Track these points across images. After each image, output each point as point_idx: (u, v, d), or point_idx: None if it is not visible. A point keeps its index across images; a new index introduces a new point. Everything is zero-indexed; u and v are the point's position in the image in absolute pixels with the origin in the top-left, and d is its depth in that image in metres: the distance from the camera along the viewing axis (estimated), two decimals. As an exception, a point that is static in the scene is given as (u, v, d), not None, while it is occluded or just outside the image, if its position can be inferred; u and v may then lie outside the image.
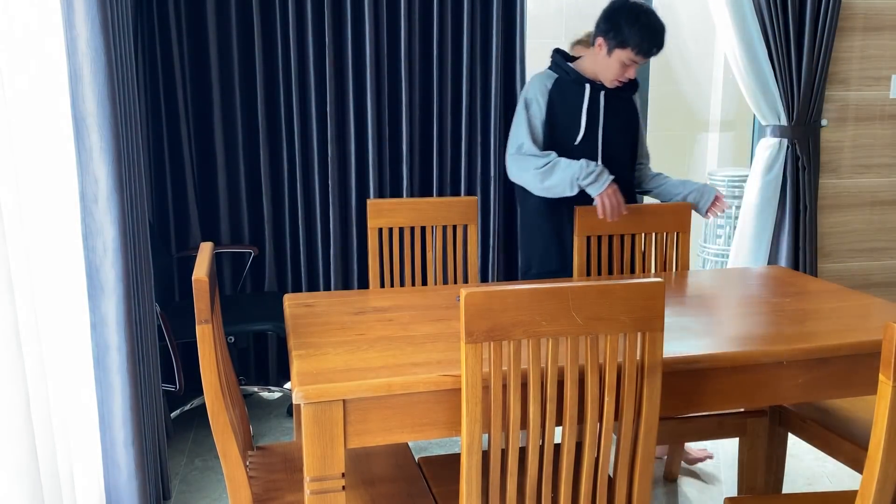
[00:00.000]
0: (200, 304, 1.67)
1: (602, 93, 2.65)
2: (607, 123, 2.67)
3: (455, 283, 2.83)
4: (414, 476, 1.97)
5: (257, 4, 3.32)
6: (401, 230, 2.76)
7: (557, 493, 1.59)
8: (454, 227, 2.80)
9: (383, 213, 2.73)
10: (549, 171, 2.57)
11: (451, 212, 2.79)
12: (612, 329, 1.51)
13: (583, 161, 2.52)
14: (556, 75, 2.69)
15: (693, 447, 2.94)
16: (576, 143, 2.65)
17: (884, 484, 1.42)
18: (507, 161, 2.68)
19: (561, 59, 2.72)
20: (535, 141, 2.65)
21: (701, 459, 2.90)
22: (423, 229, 2.78)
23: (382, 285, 2.83)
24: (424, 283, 2.86)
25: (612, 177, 2.52)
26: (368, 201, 2.74)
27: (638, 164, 2.85)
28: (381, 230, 2.75)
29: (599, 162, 2.64)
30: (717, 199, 2.74)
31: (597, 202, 2.51)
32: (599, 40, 2.56)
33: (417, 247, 2.78)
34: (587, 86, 2.64)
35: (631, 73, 2.58)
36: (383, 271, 2.80)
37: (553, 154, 2.59)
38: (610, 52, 2.54)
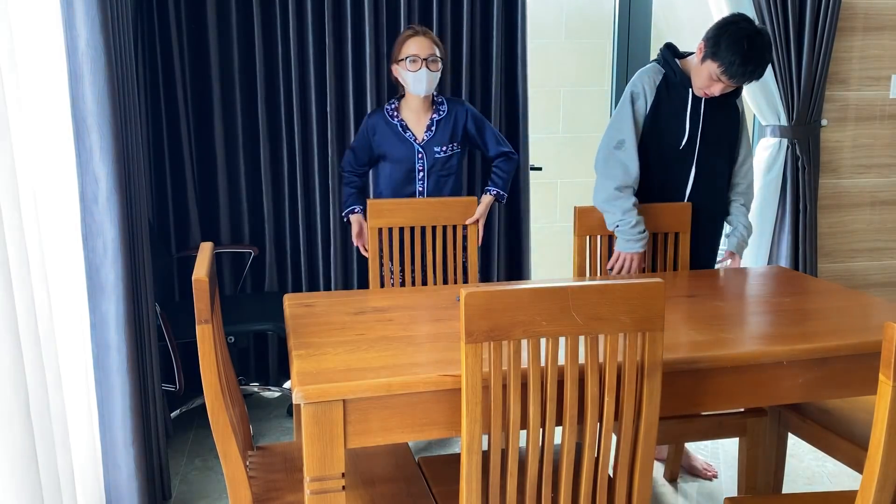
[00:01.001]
0: (200, 304, 1.67)
1: (703, 98, 2.60)
2: (707, 130, 2.62)
3: (455, 283, 2.83)
4: (414, 476, 1.97)
5: (258, 4, 3.32)
6: (401, 230, 2.77)
7: (557, 493, 1.59)
8: (454, 227, 2.81)
9: (383, 214, 2.74)
10: (611, 199, 2.59)
11: (451, 212, 2.79)
12: (612, 329, 1.51)
13: (637, 219, 2.56)
14: (663, 71, 2.64)
15: (699, 458, 2.93)
16: (680, 147, 2.63)
17: (884, 484, 1.42)
18: (599, 151, 2.65)
19: (670, 55, 2.65)
20: (637, 137, 2.62)
21: (704, 477, 2.87)
22: (422, 229, 2.78)
23: (382, 285, 2.83)
24: (424, 283, 2.85)
25: (642, 249, 2.59)
26: (368, 201, 2.74)
27: (739, 170, 2.78)
28: (380, 230, 2.75)
29: (694, 168, 2.64)
30: (733, 256, 2.80)
31: (614, 255, 2.64)
32: (701, 44, 2.50)
33: (417, 247, 2.78)
34: (690, 89, 2.60)
35: (715, 90, 2.50)
36: (383, 271, 2.81)
37: (634, 186, 2.58)
38: (703, 59, 2.48)
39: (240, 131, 3.44)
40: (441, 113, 2.91)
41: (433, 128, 2.89)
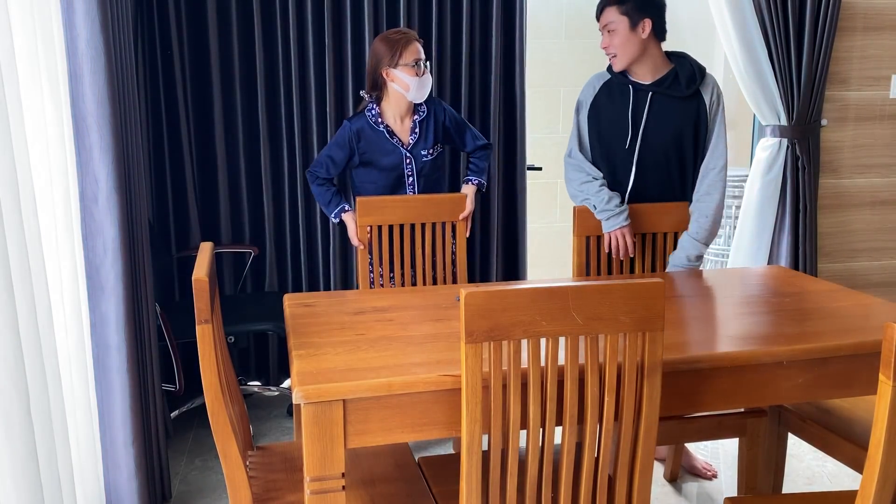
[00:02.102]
0: (200, 304, 1.67)
1: (649, 94, 2.59)
2: (651, 128, 2.60)
3: (445, 279, 2.84)
4: (414, 476, 1.97)
5: (258, 4, 3.32)
6: (390, 227, 2.77)
7: (557, 493, 1.59)
8: (443, 224, 2.81)
9: (373, 211, 2.74)
10: (580, 194, 2.65)
11: (441, 208, 2.79)
12: (612, 329, 1.51)
13: (609, 195, 2.58)
14: (609, 75, 2.66)
15: (699, 458, 2.93)
16: (626, 147, 2.62)
17: (884, 484, 1.42)
18: (564, 161, 2.73)
19: None
20: (582, 147, 2.68)
21: (704, 477, 2.87)
22: (412, 226, 2.78)
23: (372, 285, 2.84)
24: (414, 279, 2.85)
25: (626, 222, 2.58)
26: (358, 199, 2.74)
27: (700, 172, 2.65)
28: (370, 228, 2.76)
29: (634, 167, 2.62)
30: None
31: (604, 239, 2.63)
32: None
33: (407, 244, 2.79)
34: (630, 87, 2.60)
35: (605, 43, 2.59)
36: (373, 268, 2.81)
37: (597, 176, 2.62)
38: None
39: (240, 131, 3.44)
40: (421, 114, 2.88)
41: (417, 130, 2.86)
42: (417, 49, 2.78)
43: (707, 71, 2.65)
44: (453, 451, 3.01)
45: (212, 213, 3.51)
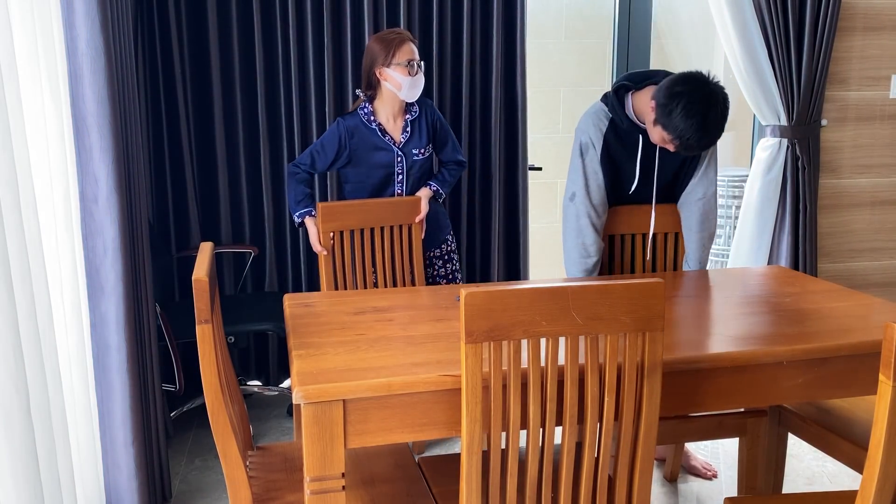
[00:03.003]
0: (200, 304, 1.67)
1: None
2: (663, 168, 2.55)
3: (404, 281, 2.88)
4: (414, 476, 1.97)
5: (258, 4, 3.32)
6: (351, 232, 2.79)
7: (557, 493, 1.59)
8: (399, 227, 2.84)
9: (335, 217, 2.76)
10: (578, 264, 2.61)
11: (400, 211, 2.81)
12: (612, 329, 1.51)
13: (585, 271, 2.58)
14: (610, 115, 2.52)
15: (699, 458, 2.93)
16: (629, 192, 2.59)
17: (884, 484, 1.42)
18: (563, 203, 2.65)
19: (617, 102, 2.49)
20: (590, 191, 2.53)
21: (704, 477, 2.87)
22: (371, 231, 2.82)
23: (336, 287, 2.85)
24: (376, 282, 2.88)
25: None
26: (319, 205, 2.76)
27: (690, 197, 2.62)
28: (333, 234, 2.78)
29: (653, 209, 2.61)
30: None
31: None
32: (652, 103, 2.30)
33: (367, 248, 2.81)
34: (640, 137, 2.50)
35: (670, 148, 2.35)
36: (336, 274, 2.82)
37: (593, 254, 2.58)
38: (655, 122, 2.30)
39: (240, 131, 3.44)
40: (413, 113, 2.90)
41: (408, 129, 2.88)
42: (411, 49, 2.79)
43: None
44: (414, 454, 3.02)
45: (212, 213, 3.51)
